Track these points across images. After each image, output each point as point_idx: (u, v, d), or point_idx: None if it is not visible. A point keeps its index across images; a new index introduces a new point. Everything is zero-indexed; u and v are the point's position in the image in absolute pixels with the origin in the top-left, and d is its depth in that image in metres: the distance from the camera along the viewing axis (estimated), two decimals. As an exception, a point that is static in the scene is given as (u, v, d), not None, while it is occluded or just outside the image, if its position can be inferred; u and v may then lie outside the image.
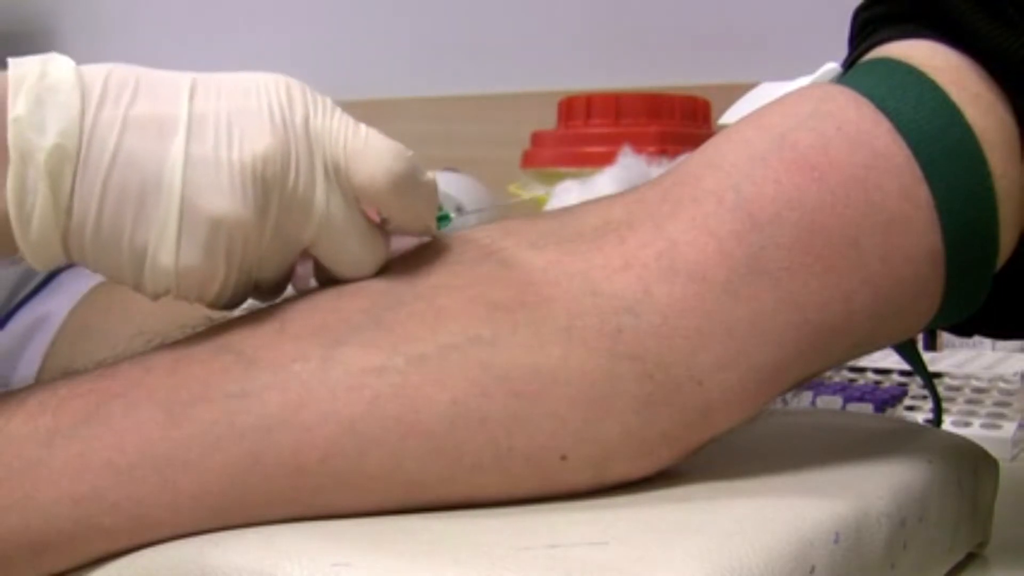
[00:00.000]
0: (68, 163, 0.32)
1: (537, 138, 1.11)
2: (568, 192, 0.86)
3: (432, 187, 0.36)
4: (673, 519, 0.31)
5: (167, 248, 0.33)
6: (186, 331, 0.35)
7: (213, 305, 0.35)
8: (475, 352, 0.32)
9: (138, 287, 0.34)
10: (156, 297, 0.34)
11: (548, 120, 1.14)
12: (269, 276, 0.36)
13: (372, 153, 0.34)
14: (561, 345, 0.33)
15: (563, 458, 0.33)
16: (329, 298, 0.34)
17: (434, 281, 0.34)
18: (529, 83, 1.38)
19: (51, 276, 0.65)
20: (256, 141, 0.33)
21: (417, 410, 0.32)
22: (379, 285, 0.34)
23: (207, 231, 0.33)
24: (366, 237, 0.35)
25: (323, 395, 0.32)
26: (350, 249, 0.35)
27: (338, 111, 0.35)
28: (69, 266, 0.66)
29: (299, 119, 0.34)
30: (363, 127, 0.35)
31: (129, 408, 0.32)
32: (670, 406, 0.33)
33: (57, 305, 0.62)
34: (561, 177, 0.97)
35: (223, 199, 0.32)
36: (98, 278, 0.65)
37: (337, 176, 0.34)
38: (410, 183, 0.35)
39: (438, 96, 1.46)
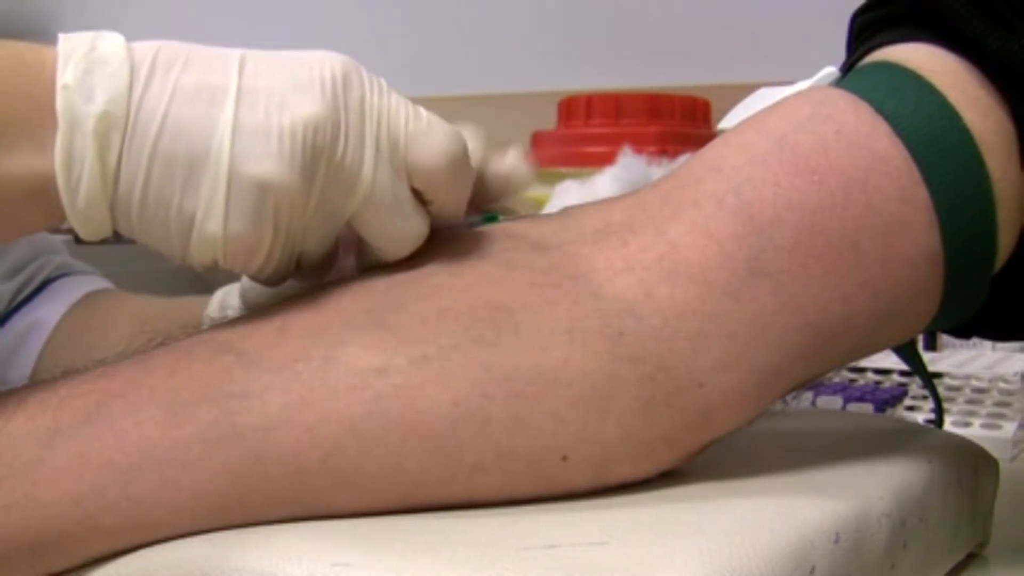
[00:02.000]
0: (116, 130, 0.32)
1: (537, 138, 1.11)
2: (568, 192, 0.86)
3: (473, 174, 0.37)
4: (673, 519, 0.31)
5: (215, 215, 0.33)
6: (187, 331, 0.35)
7: (257, 276, 0.35)
8: (477, 353, 0.32)
9: (185, 257, 0.34)
10: (204, 268, 0.34)
11: (548, 120, 1.14)
12: (313, 248, 0.35)
13: (435, 133, 0.35)
14: (563, 347, 0.33)
15: (564, 459, 0.33)
16: (331, 298, 0.34)
17: (436, 282, 0.34)
18: (529, 83, 1.38)
19: (45, 284, 0.65)
20: (306, 107, 0.33)
21: (419, 411, 0.32)
22: (381, 285, 0.34)
23: (254, 197, 0.33)
24: (410, 214, 0.35)
25: (324, 395, 0.32)
26: (394, 224, 0.35)
27: (395, 93, 0.36)
28: (63, 274, 0.66)
29: (354, 93, 0.34)
30: (423, 109, 0.36)
31: (130, 408, 0.32)
32: (671, 408, 0.33)
33: (49, 311, 0.63)
34: (561, 177, 0.97)
35: (271, 163, 0.32)
36: (90, 286, 0.66)
37: (392, 152, 0.34)
38: (464, 166, 0.35)
39: (438, 96, 1.45)
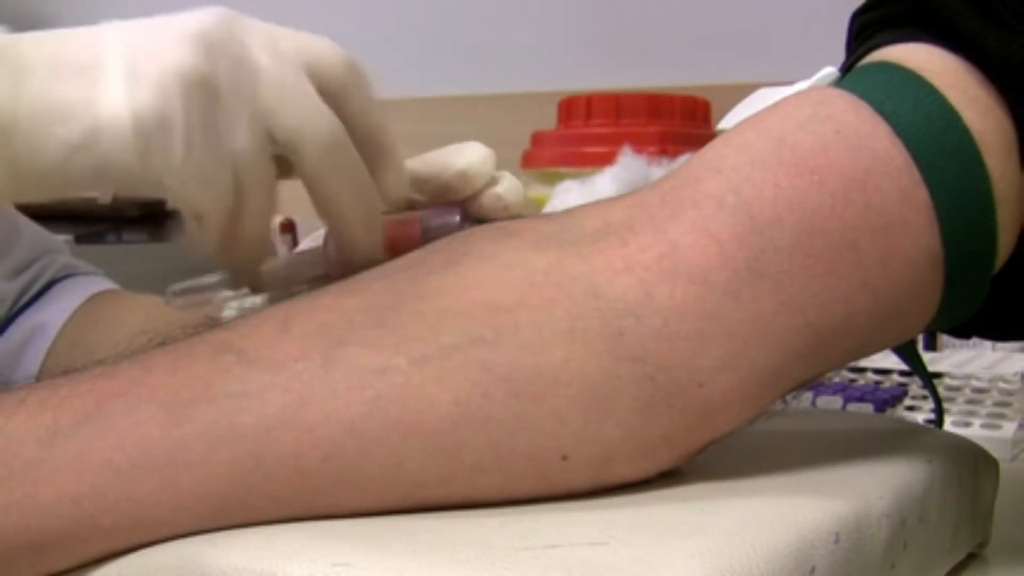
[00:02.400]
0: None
1: (537, 138, 1.11)
2: (568, 192, 0.86)
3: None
4: (673, 519, 0.31)
5: (116, 91, 0.33)
6: (187, 331, 0.35)
7: (183, 176, 0.34)
8: (477, 353, 0.32)
9: (99, 170, 0.34)
10: (124, 179, 0.34)
11: (548, 120, 1.14)
12: (243, 145, 0.35)
13: (323, 39, 0.37)
14: (563, 347, 0.33)
15: (564, 459, 0.33)
16: (331, 298, 0.34)
17: (436, 282, 0.34)
18: (529, 83, 1.38)
19: (48, 286, 0.65)
20: (196, 16, 0.34)
21: (419, 410, 0.32)
22: (381, 285, 0.34)
23: (156, 73, 0.33)
24: (319, 105, 0.36)
25: (324, 395, 0.32)
26: (309, 116, 0.36)
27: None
28: (68, 275, 0.66)
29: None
30: None
31: (130, 408, 0.32)
32: (671, 408, 0.33)
33: (54, 313, 0.63)
34: (561, 177, 0.97)
35: (169, 53, 0.33)
36: (95, 287, 0.65)
37: (289, 54, 0.36)
38: (359, 68, 0.37)
39: (438, 96, 1.46)
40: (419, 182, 0.41)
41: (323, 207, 0.38)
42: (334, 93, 0.37)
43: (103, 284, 0.67)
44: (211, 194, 0.35)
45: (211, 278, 0.42)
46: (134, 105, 0.33)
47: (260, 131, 0.36)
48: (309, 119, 0.36)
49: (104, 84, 0.34)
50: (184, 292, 0.42)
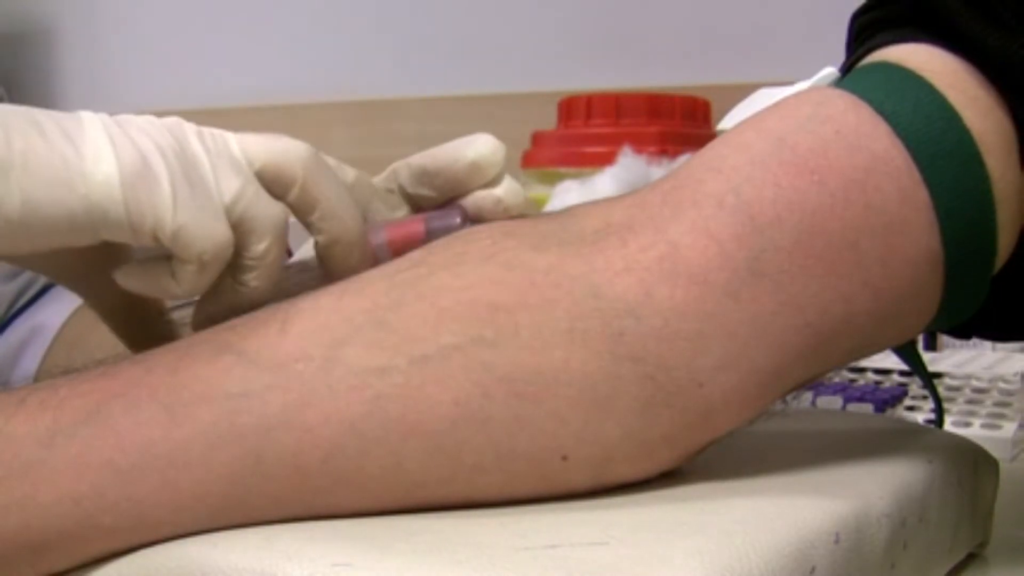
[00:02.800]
0: None
1: (537, 138, 1.11)
2: (568, 192, 0.86)
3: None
4: (673, 519, 0.31)
5: (105, 152, 0.34)
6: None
7: (171, 231, 0.35)
8: (477, 353, 0.32)
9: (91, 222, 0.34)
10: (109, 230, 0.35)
11: (548, 120, 1.14)
12: (229, 187, 0.36)
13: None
14: (563, 347, 0.33)
15: (564, 459, 0.33)
16: (331, 298, 0.34)
17: (436, 282, 0.34)
18: (529, 83, 1.38)
19: (47, 287, 0.65)
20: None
21: (419, 410, 0.32)
22: (381, 286, 0.34)
23: (135, 135, 0.34)
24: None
25: (325, 395, 0.32)
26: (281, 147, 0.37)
27: None
28: None
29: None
30: None
31: (130, 408, 0.32)
32: (671, 408, 0.33)
33: (52, 315, 0.63)
34: (561, 177, 0.97)
35: (145, 134, 0.35)
36: None
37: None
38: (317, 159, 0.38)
39: (438, 96, 1.46)
40: (428, 176, 0.41)
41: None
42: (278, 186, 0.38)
43: None
44: (208, 239, 0.35)
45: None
46: (120, 158, 0.34)
47: (248, 174, 0.37)
48: (277, 153, 0.37)
49: (87, 143, 0.34)
50: (187, 306, 0.42)
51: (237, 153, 0.37)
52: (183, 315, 0.41)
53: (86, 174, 0.34)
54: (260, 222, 0.36)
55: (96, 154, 0.34)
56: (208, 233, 0.35)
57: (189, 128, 0.37)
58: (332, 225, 0.38)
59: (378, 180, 0.43)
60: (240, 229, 0.36)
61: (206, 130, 0.37)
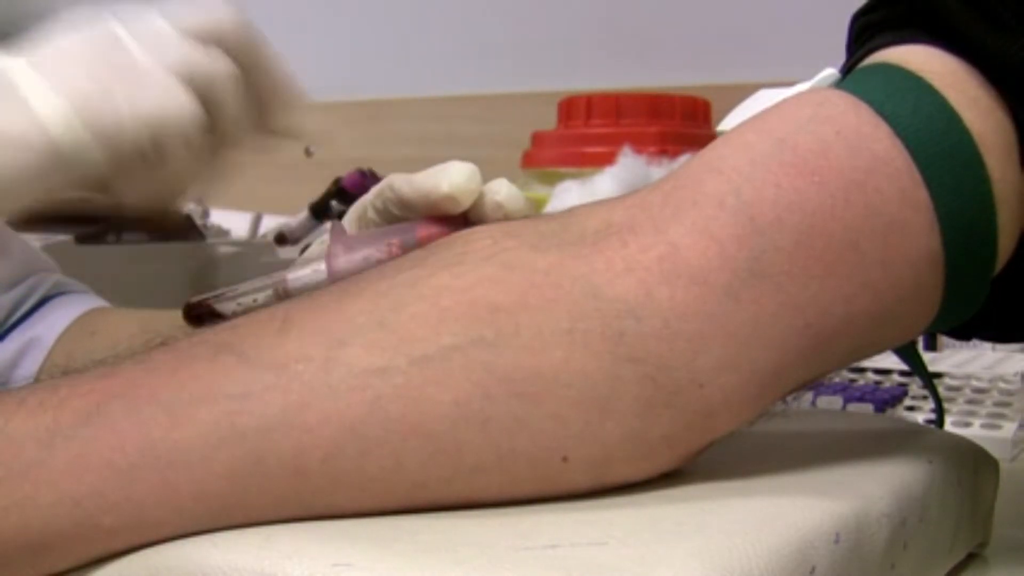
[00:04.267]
0: None
1: (537, 138, 1.11)
2: (568, 192, 0.86)
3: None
4: (673, 519, 0.31)
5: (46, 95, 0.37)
6: (187, 331, 0.35)
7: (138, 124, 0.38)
8: (477, 353, 0.32)
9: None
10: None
11: (548, 120, 1.14)
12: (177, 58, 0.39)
13: None
14: (563, 347, 0.33)
15: (564, 459, 0.33)
16: (331, 299, 0.35)
17: (436, 282, 0.34)
18: (529, 83, 1.38)
19: (43, 301, 0.65)
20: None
21: (419, 411, 0.32)
22: (381, 286, 0.34)
23: (64, 67, 0.38)
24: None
25: (325, 396, 0.32)
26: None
27: None
28: (60, 293, 0.67)
29: None
30: None
31: (130, 408, 0.32)
32: (671, 409, 0.33)
33: (47, 328, 0.63)
34: (561, 177, 0.97)
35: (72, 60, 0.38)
36: (89, 304, 0.66)
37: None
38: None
39: (438, 96, 1.46)
40: (407, 204, 0.41)
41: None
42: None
43: (96, 302, 0.67)
44: (176, 111, 0.38)
45: (226, 290, 0.43)
46: (64, 93, 0.37)
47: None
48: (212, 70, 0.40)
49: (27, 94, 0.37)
50: (246, 294, 0.43)
51: (167, 28, 0.40)
52: (244, 302, 0.42)
53: (39, 123, 0.35)
54: (214, 77, 0.39)
55: (40, 100, 0.36)
56: (176, 105, 0.38)
57: (118, 29, 0.39)
58: (267, 78, 0.41)
59: (370, 195, 0.44)
60: (197, 88, 0.39)
61: (131, 23, 0.40)
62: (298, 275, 0.42)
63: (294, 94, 0.42)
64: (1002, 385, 0.73)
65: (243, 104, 0.41)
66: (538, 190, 0.97)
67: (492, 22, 1.43)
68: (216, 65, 0.40)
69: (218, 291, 0.43)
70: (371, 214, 0.44)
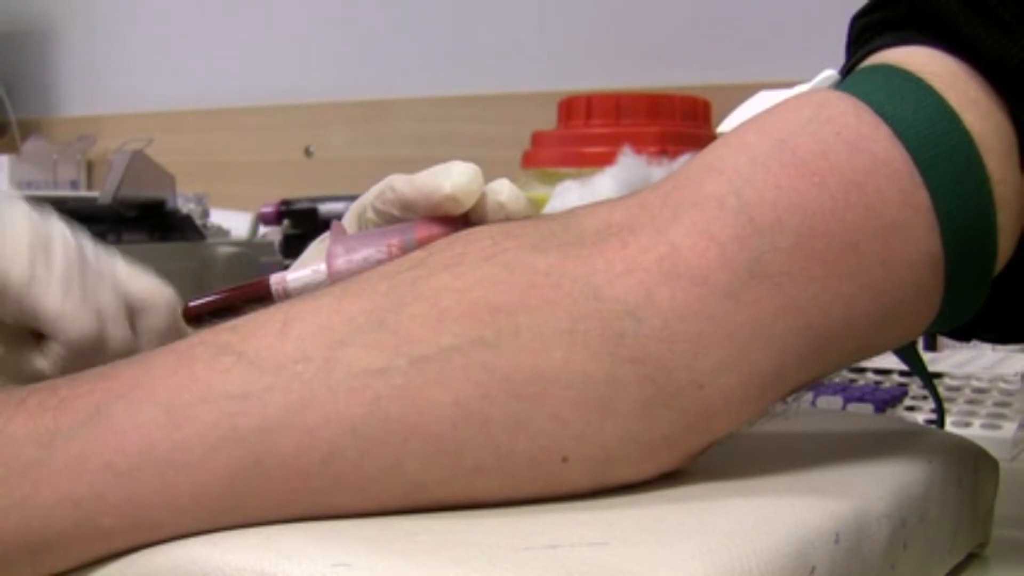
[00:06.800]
0: None
1: (537, 138, 1.11)
2: (568, 192, 0.86)
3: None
4: (673, 519, 0.31)
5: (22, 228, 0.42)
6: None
7: (59, 309, 0.42)
8: (477, 354, 0.32)
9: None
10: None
11: (548, 120, 1.14)
12: (107, 301, 0.44)
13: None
14: (563, 348, 0.33)
15: (564, 460, 0.33)
16: (331, 300, 0.34)
17: (436, 283, 0.34)
18: (529, 83, 1.38)
19: None
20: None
21: (419, 412, 0.32)
22: (382, 287, 0.34)
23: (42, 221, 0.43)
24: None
25: (325, 396, 0.32)
26: (155, 289, 0.46)
27: None
28: None
29: None
30: None
31: (130, 409, 0.32)
32: (671, 410, 0.33)
33: None
34: (561, 177, 0.97)
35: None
36: None
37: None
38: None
39: (438, 96, 1.46)
40: (408, 204, 0.41)
41: None
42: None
43: None
44: (80, 330, 0.42)
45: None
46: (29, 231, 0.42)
47: (120, 295, 0.44)
48: (154, 290, 0.45)
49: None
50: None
51: (119, 273, 0.45)
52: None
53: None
54: (116, 342, 0.43)
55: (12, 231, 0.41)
56: (84, 325, 0.42)
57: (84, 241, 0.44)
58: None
59: (370, 195, 0.44)
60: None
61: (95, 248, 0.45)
62: (298, 275, 0.42)
63: None
64: (1002, 385, 0.73)
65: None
66: (538, 190, 0.97)
67: (492, 22, 1.43)
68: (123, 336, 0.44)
69: (222, 289, 0.44)
70: (371, 214, 0.44)
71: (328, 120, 1.54)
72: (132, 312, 0.45)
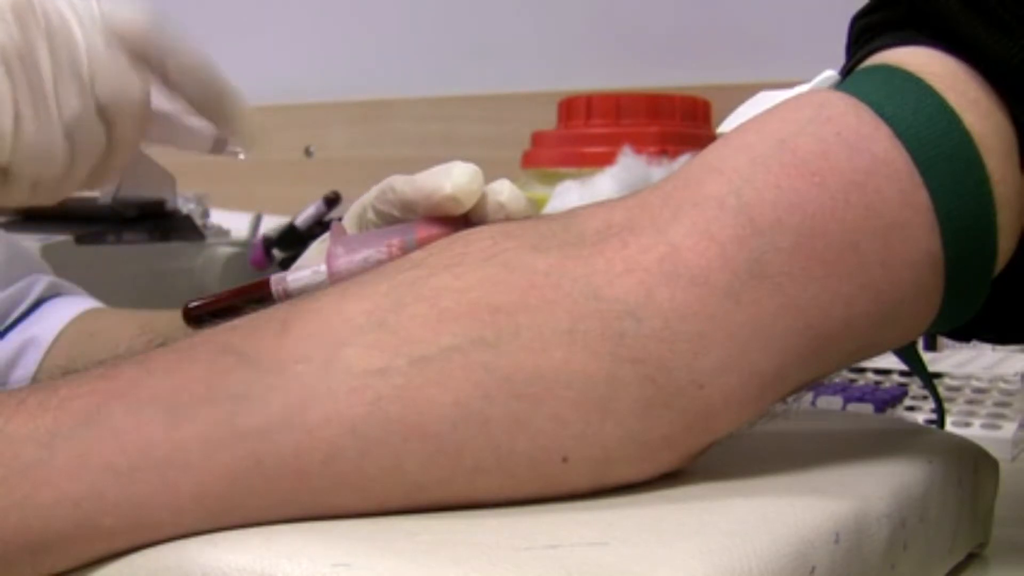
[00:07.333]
0: None
1: (537, 138, 1.11)
2: (568, 192, 0.86)
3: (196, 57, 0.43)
4: (673, 519, 0.31)
5: None
6: (187, 331, 0.35)
7: (17, 151, 0.39)
8: (477, 354, 0.32)
9: None
10: None
11: (548, 120, 1.14)
12: (75, 113, 0.40)
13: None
14: (563, 348, 0.33)
15: (564, 460, 0.33)
16: (331, 300, 0.34)
17: (436, 283, 0.34)
18: (529, 83, 1.38)
19: (40, 301, 0.65)
20: None
21: (419, 412, 0.32)
22: (382, 287, 0.34)
23: None
24: (128, 69, 0.41)
25: (325, 397, 0.32)
26: (120, 81, 0.41)
27: None
28: (56, 294, 0.67)
29: None
30: None
31: (130, 409, 0.32)
32: (671, 410, 0.33)
33: (44, 329, 0.63)
34: (561, 177, 0.97)
35: None
36: (85, 305, 0.66)
37: (95, 23, 0.40)
38: (167, 28, 0.42)
39: (438, 96, 1.46)
40: (408, 204, 0.41)
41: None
42: (144, 56, 0.41)
43: (92, 303, 0.67)
44: (45, 164, 0.39)
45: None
46: None
47: (89, 97, 0.40)
48: (123, 88, 0.41)
49: None
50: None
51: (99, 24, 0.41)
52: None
53: None
54: (125, 105, 0.40)
55: None
56: (46, 157, 0.39)
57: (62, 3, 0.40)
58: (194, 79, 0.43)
59: (371, 195, 0.44)
60: (106, 114, 0.40)
61: (83, 5, 0.41)
62: (298, 276, 0.42)
63: (226, 95, 0.43)
64: (1002, 385, 0.73)
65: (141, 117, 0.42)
66: (538, 190, 0.97)
67: (492, 22, 1.43)
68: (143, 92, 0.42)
69: (224, 290, 0.43)
70: (371, 215, 0.44)
71: (328, 120, 1.54)
72: (101, 109, 0.41)
